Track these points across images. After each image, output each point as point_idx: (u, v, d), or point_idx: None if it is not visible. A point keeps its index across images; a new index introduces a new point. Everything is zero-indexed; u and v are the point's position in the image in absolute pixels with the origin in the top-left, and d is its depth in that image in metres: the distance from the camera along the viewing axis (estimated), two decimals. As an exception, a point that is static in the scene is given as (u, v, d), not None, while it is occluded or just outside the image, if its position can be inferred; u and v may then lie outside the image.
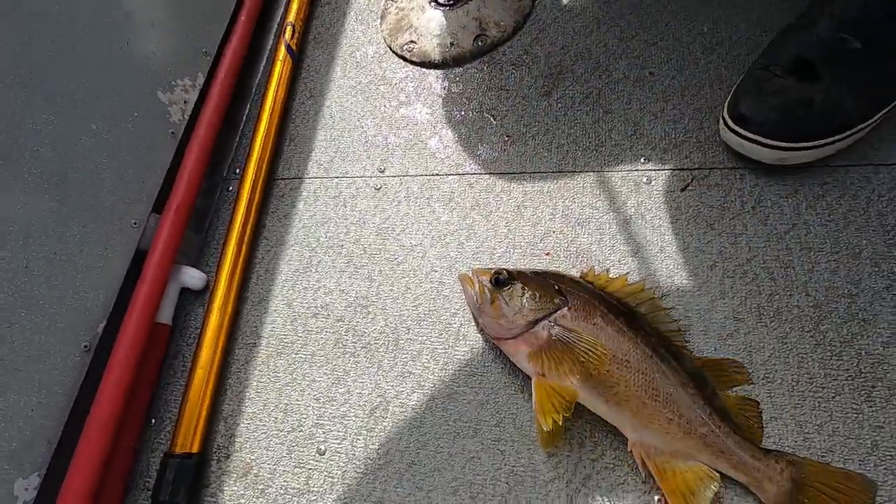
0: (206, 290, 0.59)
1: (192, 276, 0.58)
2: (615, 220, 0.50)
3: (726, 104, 0.49)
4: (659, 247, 0.48)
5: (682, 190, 0.50)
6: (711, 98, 0.53)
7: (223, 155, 0.68)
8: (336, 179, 0.62)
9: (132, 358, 0.50)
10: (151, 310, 0.53)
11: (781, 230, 0.46)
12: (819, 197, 0.47)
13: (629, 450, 0.40)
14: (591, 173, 0.53)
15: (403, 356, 0.50)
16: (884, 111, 0.45)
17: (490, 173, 0.56)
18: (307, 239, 0.59)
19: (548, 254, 0.51)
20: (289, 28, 0.71)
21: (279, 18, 0.76)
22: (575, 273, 0.48)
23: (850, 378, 0.40)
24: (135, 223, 0.55)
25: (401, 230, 0.56)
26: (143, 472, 0.50)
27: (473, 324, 0.49)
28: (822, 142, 0.45)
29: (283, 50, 0.70)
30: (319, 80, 0.70)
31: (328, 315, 0.54)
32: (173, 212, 0.57)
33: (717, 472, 0.38)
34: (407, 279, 0.53)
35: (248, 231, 0.59)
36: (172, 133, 0.60)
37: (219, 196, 0.65)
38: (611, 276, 0.45)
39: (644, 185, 0.51)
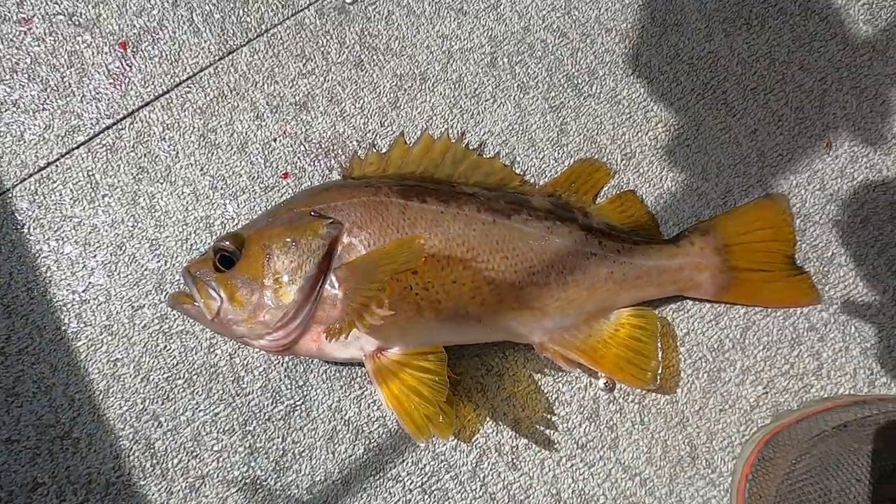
0: None
1: None
2: (346, 59, 0.32)
3: None
4: (413, 75, 0.32)
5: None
6: None
7: None
8: None
9: None
10: None
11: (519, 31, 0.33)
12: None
13: (541, 354, 0.26)
14: (279, 29, 0.33)
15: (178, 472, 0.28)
16: None
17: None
18: None
19: (285, 175, 0.31)
20: None
21: None
22: (336, 176, 0.29)
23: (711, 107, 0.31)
24: None
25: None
26: None
27: (235, 344, 0.29)
28: None
29: None
30: None
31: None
32: None
33: (643, 306, 0.27)
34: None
35: None
36: None
37: None
38: (382, 151, 0.27)
39: (350, 5, 0.33)
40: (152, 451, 0.28)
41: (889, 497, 0.22)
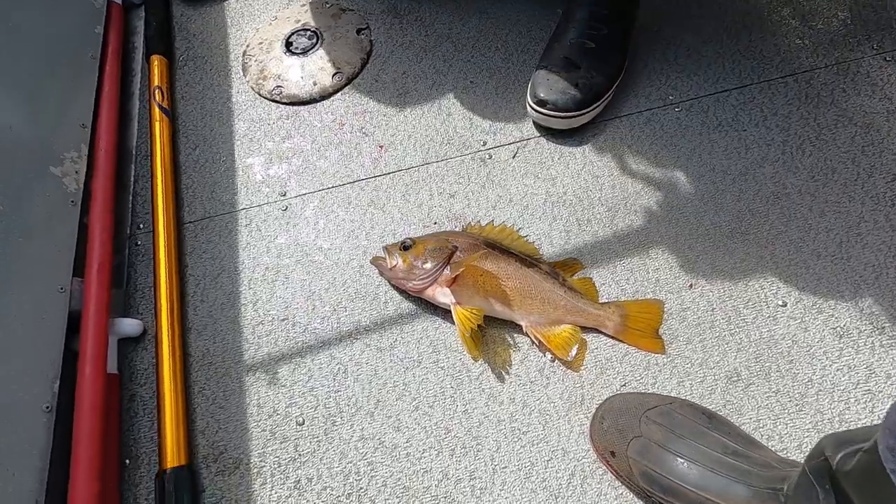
0: (146, 335, 0.64)
1: (129, 325, 0.63)
2: (475, 188, 0.68)
3: (528, 93, 0.70)
4: (507, 199, 0.67)
5: (513, 157, 0.70)
6: (516, 91, 0.75)
7: (122, 215, 0.72)
8: (243, 210, 0.71)
9: (97, 408, 0.55)
10: (102, 362, 0.57)
11: (577, 168, 0.68)
12: (595, 143, 0.70)
13: (525, 332, 0.57)
14: (450, 160, 0.71)
15: (347, 328, 0.62)
16: (617, 81, 0.70)
17: (375, 176, 0.71)
18: (232, 266, 0.67)
19: (435, 223, 0.67)
20: (157, 92, 0.78)
21: (139, 85, 0.82)
22: (458, 229, 0.64)
23: (635, 246, 0.63)
24: (61, 288, 0.59)
25: (315, 237, 0.68)
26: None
27: (394, 290, 0.63)
28: (589, 108, 0.68)
29: (157, 111, 0.76)
30: (199, 132, 0.78)
31: (271, 320, 0.63)
32: (95, 271, 0.62)
33: (578, 326, 0.57)
34: (333, 273, 0.65)
35: (173, 273, 0.66)
36: (73, 202, 0.64)
37: (129, 251, 0.70)
38: (483, 225, 0.62)
39: (488, 160, 0.70)
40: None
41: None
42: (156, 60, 0.80)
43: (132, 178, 0.75)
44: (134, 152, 0.78)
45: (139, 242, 0.70)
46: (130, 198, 0.74)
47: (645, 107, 0.72)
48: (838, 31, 0.75)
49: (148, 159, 0.74)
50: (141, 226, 0.71)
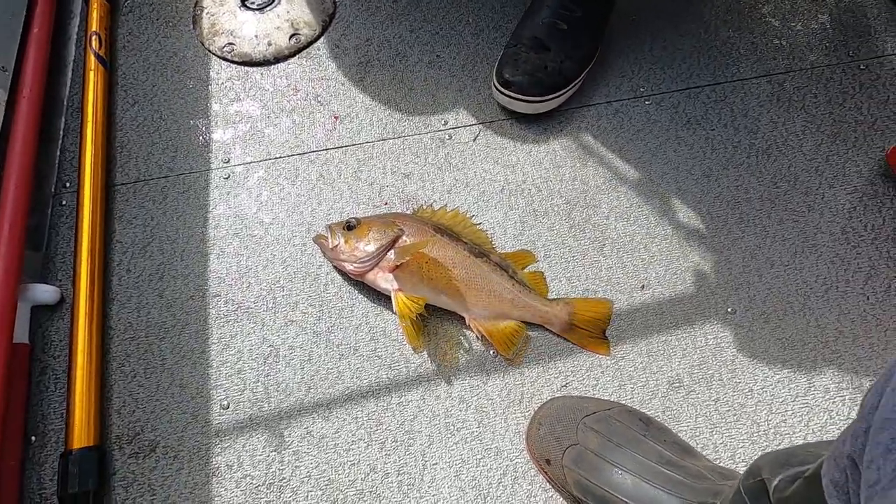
0: (63, 303, 0.59)
1: (44, 292, 0.58)
2: (431, 169, 0.65)
3: (494, 73, 0.66)
4: (464, 183, 0.64)
5: (474, 140, 0.67)
6: (483, 70, 0.71)
7: (46, 170, 0.66)
8: (182, 176, 0.66)
9: (-2, 378, 0.50)
10: (8, 329, 0.53)
11: (540, 157, 0.65)
12: (559, 131, 0.67)
13: (468, 324, 0.55)
14: (408, 137, 0.67)
15: (283, 309, 0.58)
16: (588, 67, 0.67)
17: (326, 149, 0.67)
18: (165, 234, 0.62)
19: (385, 203, 0.63)
20: (94, 38, 0.71)
21: (77, 29, 0.75)
22: (409, 212, 0.61)
23: (590, 242, 0.60)
24: (-36, 248, 0.53)
25: (256, 209, 0.63)
26: (35, 485, 0.51)
27: (336, 272, 0.60)
28: (556, 94, 0.65)
29: (92, 59, 0.70)
30: (140, 86, 0.72)
31: (203, 295, 0.59)
32: (7, 231, 0.56)
33: (524, 322, 0.55)
34: (272, 248, 0.61)
35: (97, 238, 0.60)
36: (-16, 153, 0.58)
37: (52, 212, 0.64)
38: (435, 209, 0.59)
39: (447, 141, 0.67)
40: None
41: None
42: (95, 3, 0.73)
43: (61, 131, 0.69)
44: (66, 103, 0.71)
45: (64, 202, 0.64)
46: (58, 153, 0.68)
47: (615, 97, 0.69)
48: (816, 35, 0.73)
49: (80, 112, 0.68)
50: (67, 184, 0.65)
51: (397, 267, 0.54)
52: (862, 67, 0.70)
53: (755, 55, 0.71)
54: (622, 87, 0.70)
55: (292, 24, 0.74)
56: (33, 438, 0.53)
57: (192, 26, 0.75)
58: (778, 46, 0.72)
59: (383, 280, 0.55)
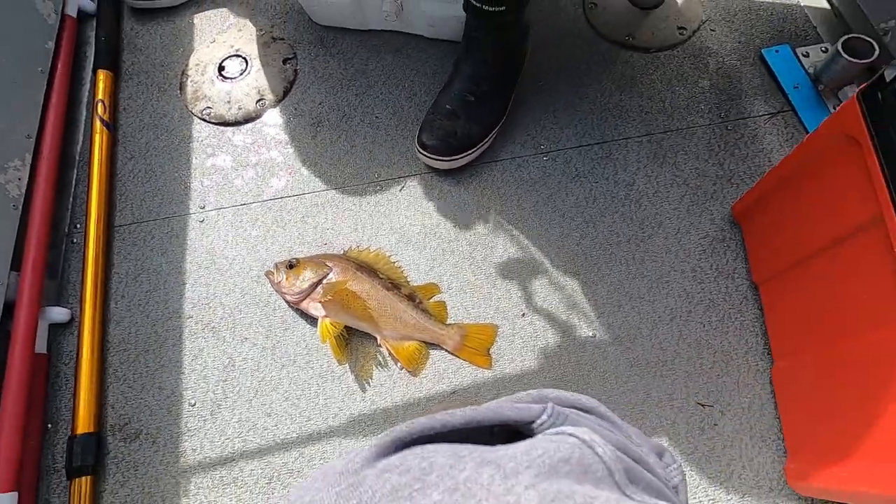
0: (73, 321, 0.76)
1: (59, 313, 0.75)
2: (363, 216, 0.80)
3: (416, 136, 0.81)
4: (388, 227, 0.79)
5: (400, 190, 0.82)
6: (412, 130, 0.86)
7: (61, 214, 0.83)
8: (167, 219, 0.82)
9: (23, 380, 0.67)
10: (31, 343, 0.70)
11: (451, 205, 0.80)
12: (469, 183, 0.82)
13: (379, 344, 0.70)
14: (347, 188, 0.82)
15: (240, 328, 0.74)
16: (493, 132, 0.82)
17: (282, 197, 0.82)
18: (151, 267, 0.79)
19: (325, 243, 0.79)
20: (100, 105, 0.88)
21: (87, 94, 0.92)
22: (341, 252, 0.76)
23: (485, 276, 0.75)
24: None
25: (224, 247, 0.80)
26: (50, 461, 0.68)
27: (283, 300, 0.75)
28: (464, 154, 0.80)
29: (98, 124, 0.87)
30: (136, 143, 0.88)
31: (179, 316, 0.76)
32: (31, 267, 0.73)
33: (425, 342, 0.70)
34: (234, 279, 0.77)
35: (100, 270, 0.77)
36: (14, 206, 0.75)
37: (65, 247, 0.81)
38: (361, 249, 0.74)
39: (379, 191, 0.82)
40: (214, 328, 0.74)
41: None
42: (101, 75, 0.90)
43: (74, 181, 0.86)
44: (77, 157, 0.88)
45: (75, 240, 0.81)
46: (71, 199, 0.85)
47: (519, 153, 0.83)
48: (695, 98, 0.86)
49: (87, 166, 0.85)
50: (77, 225, 0.82)
51: (322, 300, 0.70)
52: (729, 128, 0.83)
53: (641, 116, 0.85)
54: (526, 144, 0.84)
55: (259, 90, 0.90)
56: (49, 425, 0.70)
57: (179, 92, 0.92)
58: (661, 108, 0.85)
59: (314, 308, 0.70)
